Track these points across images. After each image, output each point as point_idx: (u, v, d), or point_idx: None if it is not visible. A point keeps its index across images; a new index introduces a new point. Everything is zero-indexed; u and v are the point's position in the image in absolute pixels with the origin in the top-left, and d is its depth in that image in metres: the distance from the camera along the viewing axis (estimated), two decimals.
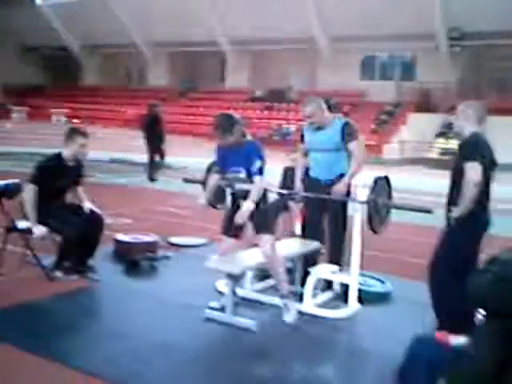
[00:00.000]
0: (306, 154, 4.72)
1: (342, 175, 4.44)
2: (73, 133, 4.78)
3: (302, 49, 27.74)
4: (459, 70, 24.78)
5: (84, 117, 27.17)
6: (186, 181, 4.80)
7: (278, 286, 4.03)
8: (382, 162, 20.33)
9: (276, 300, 4.11)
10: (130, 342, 3.46)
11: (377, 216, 3.97)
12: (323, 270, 4.26)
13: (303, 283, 4.27)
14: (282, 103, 27.26)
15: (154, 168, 11.82)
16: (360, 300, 4.21)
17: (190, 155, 20.00)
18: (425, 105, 24.21)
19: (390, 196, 4.18)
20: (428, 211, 3.95)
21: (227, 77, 31.32)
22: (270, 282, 4.62)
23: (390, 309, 4.34)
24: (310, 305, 4.05)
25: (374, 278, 4.77)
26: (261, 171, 3.83)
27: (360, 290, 4.30)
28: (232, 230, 3.99)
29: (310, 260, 4.46)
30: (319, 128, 4.51)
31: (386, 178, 4.18)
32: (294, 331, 3.76)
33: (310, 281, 4.11)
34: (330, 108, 4.64)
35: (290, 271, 4.60)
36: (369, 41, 25.32)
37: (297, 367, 3.20)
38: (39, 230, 4.55)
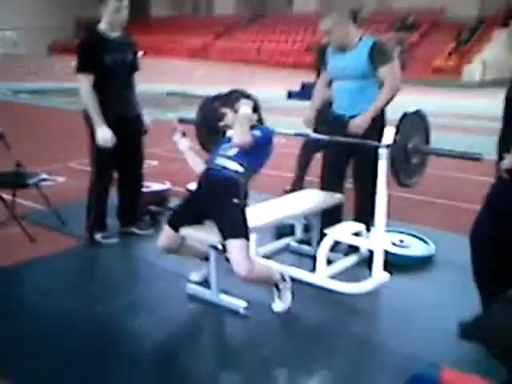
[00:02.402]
0: (329, 84, 3.83)
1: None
2: None
3: None
4: None
5: (148, 47, 26.70)
6: (181, 121, 4.01)
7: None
8: (460, 85, 18.63)
9: (284, 268, 3.36)
10: (87, 322, 2.85)
11: (404, 165, 3.04)
12: (342, 231, 3.41)
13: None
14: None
15: None
16: (390, 267, 3.37)
17: (253, 85, 19.15)
18: None
19: (426, 138, 3.21)
20: (476, 158, 2.95)
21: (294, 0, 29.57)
22: (288, 241, 3.87)
23: (428, 279, 3.43)
24: (321, 275, 3.25)
25: (414, 235, 3.89)
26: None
27: (391, 254, 3.47)
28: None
29: (330, 217, 3.63)
30: (343, 49, 3.57)
31: (420, 114, 3.19)
32: (292, 315, 2.96)
33: (325, 245, 3.28)
34: (355, 20, 3.64)
35: (306, 229, 3.83)
36: None
37: (278, 370, 2.45)
38: (104, 135, 3.65)
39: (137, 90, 4.02)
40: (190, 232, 2.96)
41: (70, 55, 3.78)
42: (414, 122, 3.09)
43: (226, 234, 2.80)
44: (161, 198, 4.73)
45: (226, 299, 2.98)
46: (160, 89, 16.23)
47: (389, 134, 3.02)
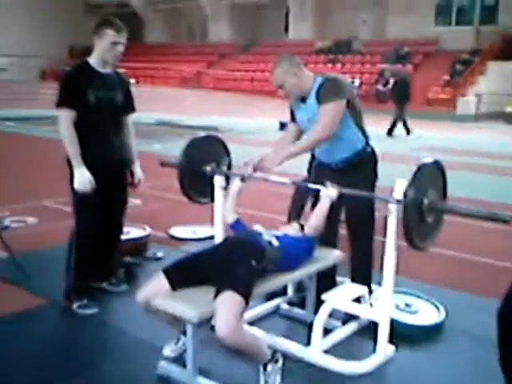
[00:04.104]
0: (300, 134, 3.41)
1: (357, 152, 3.21)
2: (101, 26, 3.27)
3: None
4: None
5: (142, 76, 26.48)
6: (163, 164, 3.58)
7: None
8: (455, 119, 18.44)
9: (273, 340, 2.91)
10: None
11: (420, 224, 2.60)
12: (342, 297, 2.96)
13: (317, 309, 3.02)
14: (347, 55, 25.31)
15: (393, 125, 14.10)
16: (395, 336, 2.91)
17: (245, 115, 18.82)
18: (507, 52, 21.54)
19: (443, 193, 2.78)
20: (505, 221, 2.50)
21: (290, 29, 29.50)
22: (278, 302, 3.42)
23: (439, 353, 2.95)
24: (316, 351, 2.78)
25: (422, 298, 3.45)
26: None
27: (396, 322, 3.02)
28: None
29: (325, 275, 3.19)
30: (303, 100, 3.20)
31: (438, 164, 2.77)
32: None
33: (322, 315, 2.83)
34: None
35: (300, 288, 3.39)
36: None
37: None
38: (82, 178, 3.20)
39: (131, 133, 3.62)
40: (164, 303, 2.49)
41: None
42: (431, 175, 2.67)
43: (224, 285, 2.39)
44: (139, 246, 4.28)
45: (203, 383, 2.51)
46: (149, 118, 15.86)
47: (400, 187, 2.59)
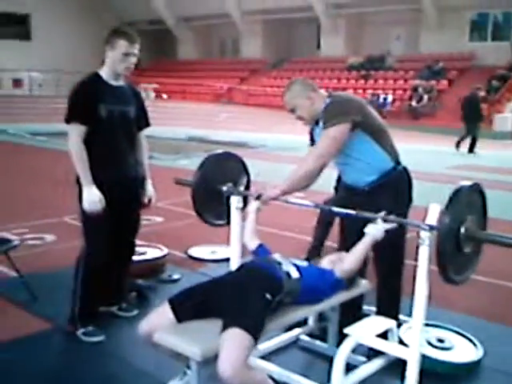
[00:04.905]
0: None
1: (384, 173, 2.92)
2: (114, 35, 3.10)
3: (403, 9, 25.11)
4: None
5: (174, 91, 26.64)
6: (177, 182, 3.38)
7: None
8: (491, 136, 17.93)
9: (295, 378, 2.65)
10: None
11: (456, 255, 2.31)
12: (367, 330, 2.68)
13: (340, 343, 2.74)
14: (380, 71, 24.98)
15: (473, 142, 13.86)
16: (428, 375, 2.61)
17: (276, 131, 18.63)
18: None
19: (483, 220, 2.48)
20: None
21: (322, 44, 29.33)
22: (297, 333, 3.15)
23: None
24: None
25: (456, 332, 3.14)
26: None
27: (428, 359, 2.73)
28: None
29: (349, 305, 2.92)
30: (317, 121, 2.96)
31: (478, 188, 2.45)
32: None
33: (344, 350, 2.55)
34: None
35: (321, 317, 3.12)
36: None
37: None
38: (91, 197, 3.03)
39: (144, 149, 3.43)
40: (165, 337, 2.25)
41: None
42: (469, 199, 2.38)
43: (231, 321, 2.14)
44: (153, 268, 4.07)
45: None
46: (181, 133, 15.81)
47: (433, 213, 2.32)
